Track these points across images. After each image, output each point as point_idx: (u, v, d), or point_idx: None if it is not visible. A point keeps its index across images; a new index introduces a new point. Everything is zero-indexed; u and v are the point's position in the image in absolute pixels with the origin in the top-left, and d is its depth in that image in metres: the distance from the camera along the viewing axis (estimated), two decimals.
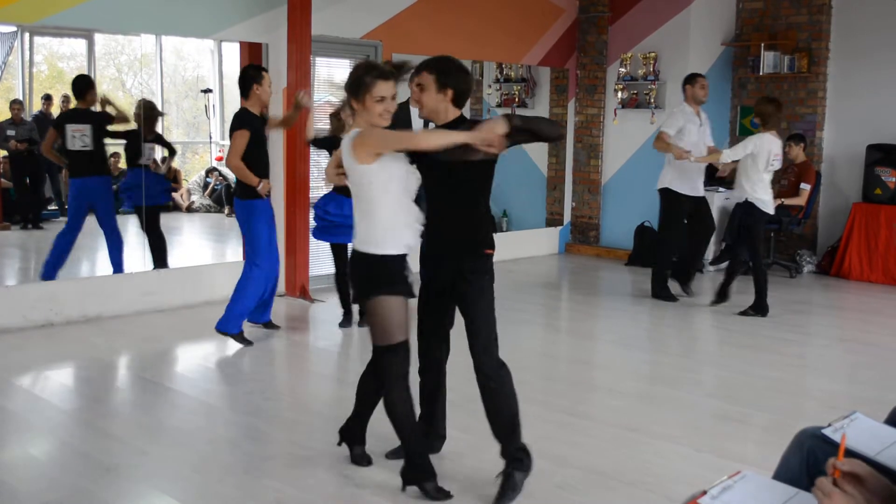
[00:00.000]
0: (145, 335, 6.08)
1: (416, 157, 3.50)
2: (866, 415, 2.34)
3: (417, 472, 3.45)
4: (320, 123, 7.74)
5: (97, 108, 7.09)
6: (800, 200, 8.33)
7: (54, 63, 8.00)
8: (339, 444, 3.80)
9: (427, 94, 3.44)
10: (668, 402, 4.88)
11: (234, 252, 7.65)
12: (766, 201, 6.76)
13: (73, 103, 6.94)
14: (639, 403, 4.87)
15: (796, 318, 7.02)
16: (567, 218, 10.21)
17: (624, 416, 4.53)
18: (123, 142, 7.40)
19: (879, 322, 7.03)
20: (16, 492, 3.48)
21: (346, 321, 6.36)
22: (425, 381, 3.78)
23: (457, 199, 3.48)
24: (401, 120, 6.56)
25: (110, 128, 7.00)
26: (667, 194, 7.38)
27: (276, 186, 7.31)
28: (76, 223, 6.76)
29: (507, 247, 8.85)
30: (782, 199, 7.91)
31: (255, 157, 5.58)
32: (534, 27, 9.46)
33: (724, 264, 8.92)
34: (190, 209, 9.31)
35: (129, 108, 7.47)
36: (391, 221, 3.38)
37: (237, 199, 5.76)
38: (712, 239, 8.85)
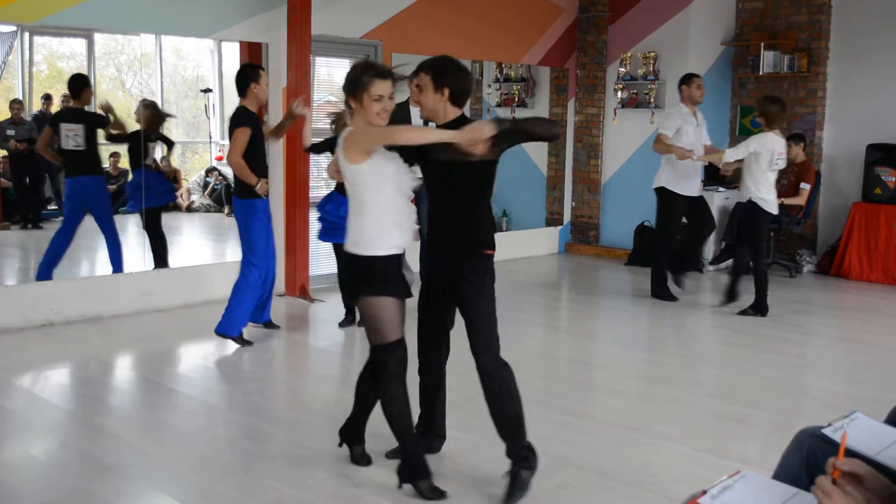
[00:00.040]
0: (145, 335, 6.08)
1: (419, 157, 3.51)
2: (866, 414, 2.34)
3: (413, 471, 3.46)
4: (320, 123, 7.74)
5: (99, 111, 7.09)
6: (800, 200, 8.33)
7: (54, 63, 8.00)
8: (340, 445, 3.81)
9: (425, 94, 3.46)
10: (668, 401, 4.88)
11: (234, 252, 7.63)
12: (770, 201, 6.76)
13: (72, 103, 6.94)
14: (639, 403, 4.87)
15: (796, 317, 7.02)
16: (567, 218, 10.21)
17: (624, 416, 4.53)
18: (126, 143, 7.40)
19: (879, 322, 7.03)
20: (16, 491, 3.48)
21: (346, 321, 6.36)
22: (425, 380, 3.79)
23: (457, 198, 3.48)
24: (401, 120, 6.61)
25: (103, 131, 6.98)
26: (662, 194, 7.38)
27: (276, 186, 7.32)
28: (71, 222, 6.75)
29: (507, 246, 8.86)
30: (782, 199, 7.90)
31: (254, 156, 5.58)
32: (534, 27, 9.46)
33: (724, 264, 8.96)
34: (190, 209, 9.30)
35: (130, 119, 7.46)
36: (382, 222, 3.39)
37: (236, 198, 5.75)
38: (712, 238, 8.88)
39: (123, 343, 5.92)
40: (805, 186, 8.31)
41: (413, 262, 7.60)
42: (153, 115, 7.28)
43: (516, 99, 10.35)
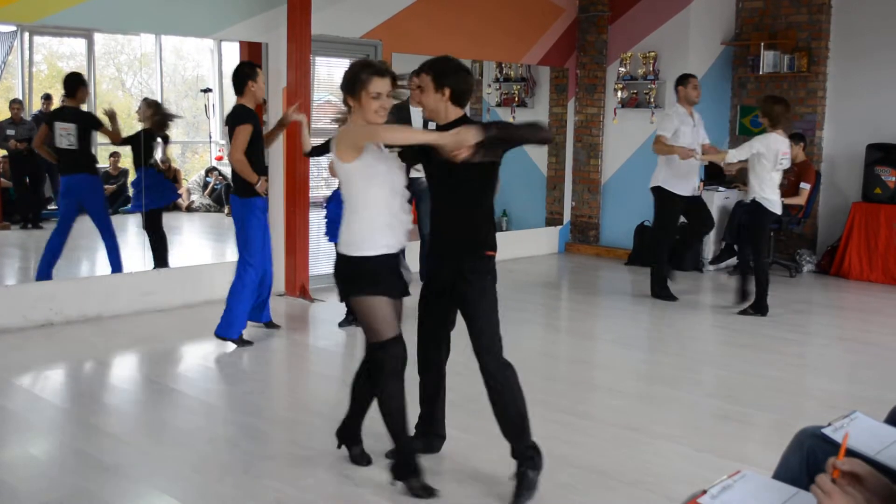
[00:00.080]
0: (145, 335, 6.08)
1: (423, 157, 3.52)
2: (866, 414, 2.34)
3: (405, 469, 3.47)
4: (320, 123, 7.74)
5: (102, 115, 7.09)
6: (799, 200, 8.33)
7: (54, 63, 8.00)
8: (339, 447, 3.81)
9: (426, 94, 3.46)
10: (669, 401, 4.88)
11: (234, 252, 7.63)
12: (774, 201, 6.75)
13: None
14: (639, 403, 4.87)
15: (796, 317, 7.02)
16: (567, 217, 10.21)
17: (624, 416, 4.53)
18: (128, 144, 7.40)
19: (879, 322, 7.03)
20: (16, 491, 3.48)
21: (346, 320, 6.35)
22: (425, 380, 3.79)
23: (457, 198, 3.48)
24: (400, 120, 6.60)
25: (97, 132, 6.96)
26: (659, 193, 7.39)
27: (276, 186, 7.32)
28: (66, 221, 6.73)
29: (507, 246, 8.85)
30: (782, 199, 7.91)
31: (254, 154, 5.56)
32: (533, 27, 9.46)
33: (724, 264, 8.97)
34: (190, 209, 9.31)
35: (130, 120, 7.46)
36: (373, 222, 3.41)
37: (235, 197, 5.72)
38: (712, 238, 8.88)
39: (123, 343, 5.92)
40: (805, 186, 8.31)
41: (413, 262, 7.62)
42: (156, 114, 7.27)
43: (516, 99, 10.35)
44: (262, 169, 5.68)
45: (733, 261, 8.95)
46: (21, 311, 6.03)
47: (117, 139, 7.30)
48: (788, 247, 9.23)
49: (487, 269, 3.48)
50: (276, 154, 7.26)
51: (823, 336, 6.66)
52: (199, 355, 5.72)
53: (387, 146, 3.62)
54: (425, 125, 7.23)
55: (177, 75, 9.03)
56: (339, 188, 6.19)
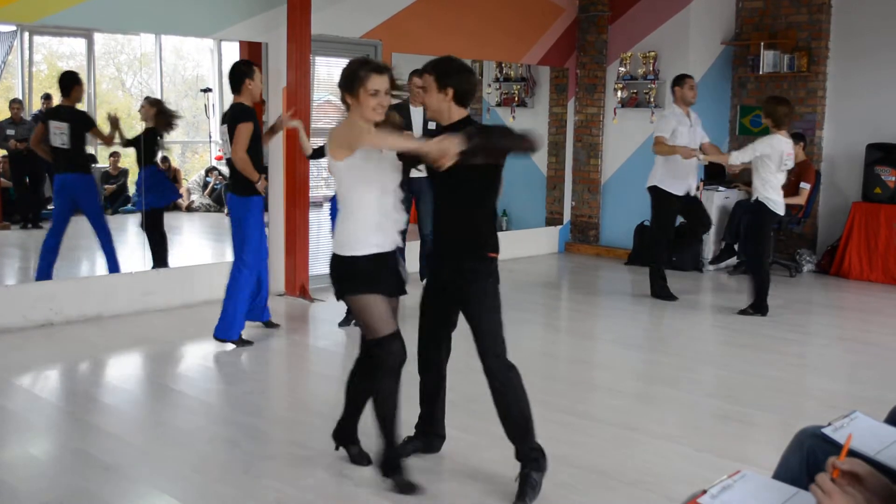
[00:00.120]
0: (145, 335, 6.08)
1: (421, 158, 3.52)
2: (866, 414, 2.34)
3: (394, 466, 3.51)
4: (320, 123, 7.74)
5: (106, 121, 7.10)
6: (799, 200, 8.33)
7: (54, 62, 8.00)
8: (337, 448, 3.81)
9: (429, 94, 3.45)
10: (668, 401, 4.88)
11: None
12: (777, 201, 6.74)
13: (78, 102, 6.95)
14: (639, 403, 4.87)
15: (796, 317, 7.02)
16: (567, 217, 10.21)
17: (624, 416, 4.53)
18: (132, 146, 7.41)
19: (879, 322, 7.03)
20: (16, 491, 3.48)
21: (346, 320, 6.35)
22: (425, 380, 3.79)
23: (458, 199, 3.48)
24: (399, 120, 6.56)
25: (90, 134, 6.93)
26: (655, 193, 7.39)
27: (276, 186, 7.32)
28: (59, 220, 6.72)
29: (507, 246, 8.78)
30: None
31: (253, 152, 5.53)
32: (533, 26, 9.46)
33: (724, 264, 8.97)
34: (190, 209, 9.31)
35: (130, 120, 7.46)
36: (364, 222, 3.43)
37: (233, 195, 5.67)
38: (712, 238, 8.88)
39: (123, 343, 5.92)
40: (805, 186, 8.31)
41: (413, 262, 7.62)
42: (159, 113, 7.27)
43: (516, 99, 10.35)
44: (260, 168, 5.67)
45: (733, 261, 8.98)
46: (21, 311, 6.03)
47: (109, 142, 7.31)
48: (788, 247, 9.23)
49: (489, 271, 3.48)
50: (275, 154, 7.27)
51: (823, 336, 6.66)
52: (199, 355, 5.72)
53: None
54: (425, 125, 7.25)
55: (177, 75, 9.03)
56: None
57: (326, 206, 7.05)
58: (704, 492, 1.85)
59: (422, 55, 8.12)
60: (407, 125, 6.76)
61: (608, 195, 9.97)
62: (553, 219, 10.21)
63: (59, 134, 6.62)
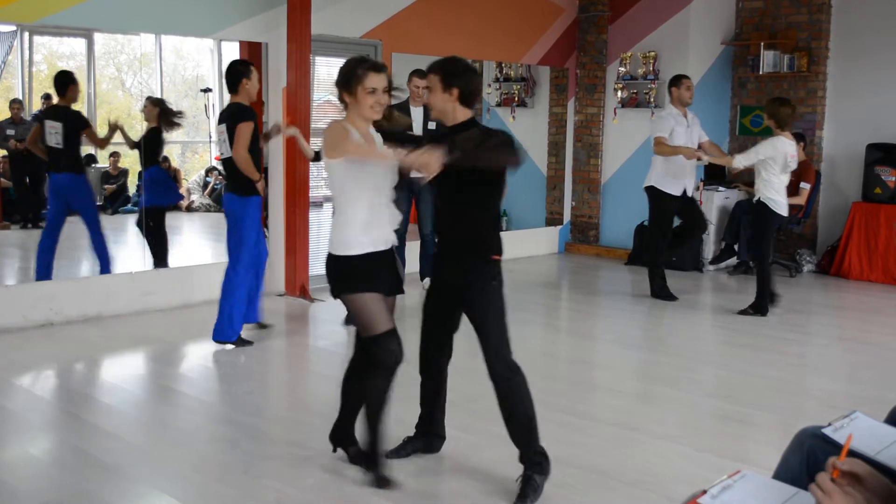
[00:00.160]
0: (145, 335, 6.08)
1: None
2: (866, 414, 2.34)
3: (370, 459, 3.56)
4: (320, 123, 7.74)
5: (107, 127, 7.10)
6: (799, 200, 8.33)
7: (54, 62, 8.00)
8: (335, 450, 3.80)
9: (434, 94, 3.44)
10: (668, 401, 4.88)
11: None
12: (779, 202, 6.72)
13: (78, 104, 6.94)
14: (639, 403, 4.87)
15: (796, 317, 7.01)
16: (567, 217, 10.21)
17: (624, 416, 4.53)
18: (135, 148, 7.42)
19: (879, 322, 7.03)
20: (16, 491, 3.48)
21: (349, 318, 6.35)
22: (426, 381, 3.79)
23: (460, 201, 3.47)
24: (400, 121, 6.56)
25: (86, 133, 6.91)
26: (652, 193, 7.40)
27: (277, 186, 7.32)
28: (53, 219, 6.70)
29: (507, 246, 8.74)
30: None
31: (253, 152, 5.52)
32: (533, 26, 9.46)
33: (724, 264, 8.97)
34: (190, 209, 9.31)
35: (129, 120, 7.46)
36: (357, 222, 3.45)
37: (232, 195, 5.60)
38: (712, 238, 8.88)
39: (123, 343, 5.92)
40: (805, 186, 8.31)
41: (413, 262, 7.62)
42: (162, 112, 7.27)
43: (516, 99, 10.35)
44: (259, 167, 5.65)
45: (733, 261, 8.98)
46: (21, 311, 6.03)
47: (103, 145, 7.31)
48: (788, 247, 9.23)
49: (493, 274, 3.47)
50: (275, 154, 7.27)
51: (823, 336, 6.66)
52: (199, 355, 5.72)
53: (386, 144, 3.65)
54: (425, 125, 7.26)
55: (177, 75, 9.03)
56: None
57: (328, 206, 7.04)
58: (704, 492, 1.85)
59: (422, 55, 8.17)
60: (408, 125, 6.77)
61: (608, 195, 9.97)
62: (553, 219, 10.21)
63: (53, 134, 6.61)
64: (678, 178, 7.31)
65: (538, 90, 10.28)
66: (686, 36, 9.17)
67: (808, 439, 2.30)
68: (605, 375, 5.45)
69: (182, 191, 9.07)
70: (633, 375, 5.48)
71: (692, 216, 7.50)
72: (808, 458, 2.26)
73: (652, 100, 9.40)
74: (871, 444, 2.15)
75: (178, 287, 6.84)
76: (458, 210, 3.49)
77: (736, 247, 8.84)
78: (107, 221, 8.50)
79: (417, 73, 7.31)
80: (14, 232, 7.68)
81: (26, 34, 7.46)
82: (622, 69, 9.63)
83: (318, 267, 7.61)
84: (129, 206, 8.50)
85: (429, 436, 3.86)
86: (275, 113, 7.26)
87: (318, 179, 8.03)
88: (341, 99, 3.52)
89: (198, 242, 9.27)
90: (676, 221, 7.62)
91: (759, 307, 6.89)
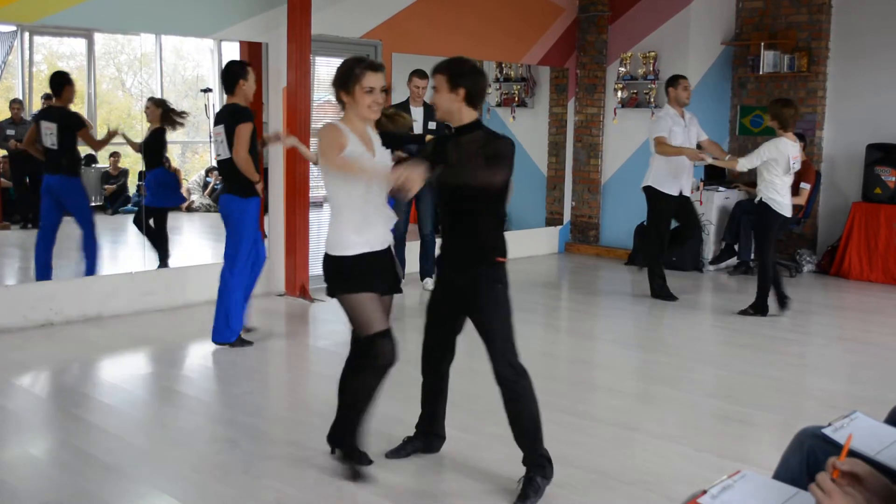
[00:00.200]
0: (145, 335, 6.08)
1: (430, 162, 3.55)
2: (866, 414, 2.34)
3: (348, 452, 3.62)
4: (320, 123, 7.74)
5: (107, 133, 7.10)
6: (800, 200, 8.32)
7: (54, 62, 8.01)
8: (333, 452, 3.80)
9: (440, 94, 3.43)
10: (668, 401, 4.88)
11: None
12: (782, 202, 6.69)
13: (76, 105, 6.93)
14: (639, 403, 4.87)
15: (796, 317, 7.00)
16: (567, 217, 10.21)
17: (624, 416, 4.53)
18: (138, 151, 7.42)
19: (879, 322, 7.03)
20: (16, 491, 3.48)
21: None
22: (427, 382, 3.79)
23: (464, 205, 3.46)
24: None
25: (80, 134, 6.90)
26: (650, 193, 7.40)
27: (277, 186, 7.32)
28: (46, 221, 6.68)
29: (507, 246, 8.84)
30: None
31: (252, 153, 5.50)
32: (533, 26, 9.46)
33: (724, 264, 8.97)
34: (190, 209, 9.31)
35: (129, 120, 7.45)
36: (351, 223, 3.48)
37: (232, 196, 5.55)
38: (712, 238, 8.88)
39: (123, 343, 5.92)
40: (805, 186, 8.31)
41: (413, 262, 7.62)
42: (164, 113, 7.27)
43: (516, 99, 10.35)
44: (258, 169, 5.64)
45: (733, 261, 8.98)
46: (21, 311, 6.03)
47: (98, 148, 7.30)
48: (788, 247, 9.23)
49: (498, 277, 3.47)
50: (276, 154, 7.27)
51: (823, 336, 6.66)
52: (199, 355, 5.72)
53: (384, 145, 3.66)
54: (425, 125, 7.26)
55: (177, 75, 9.04)
56: None
57: (328, 207, 7.03)
58: (704, 492, 1.85)
59: (422, 55, 8.18)
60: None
61: (608, 195, 9.97)
62: (553, 219, 10.21)
63: (49, 134, 6.59)
64: (676, 179, 7.31)
65: (538, 90, 10.28)
66: (686, 36, 9.17)
67: (808, 439, 2.30)
68: (605, 375, 5.45)
69: (182, 191, 9.07)
70: (633, 375, 5.48)
71: (688, 219, 7.50)
72: (808, 458, 2.26)
73: (652, 100, 9.40)
74: (871, 444, 2.15)
75: (178, 287, 6.84)
76: (460, 212, 3.49)
77: (736, 247, 8.84)
78: (107, 221, 8.52)
79: (417, 73, 7.31)
80: (14, 232, 7.68)
81: (26, 34, 7.46)
82: (622, 69, 9.63)
83: (318, 267, 7.60)
84: (130, 206, 8.51)
85: (429, 436, 3.86)
86: (275, 113, 7.27)
87: (318, 179, 8.02)
88: (339, 99, 3.53)
89: (198, 242, 9.26)
90: (675, 223, 7.62)
91: (760, 307, 6.89)
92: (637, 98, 9.57)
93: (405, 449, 3.83)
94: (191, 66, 9.15)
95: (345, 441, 3.64)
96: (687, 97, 7.34)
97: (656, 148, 7.21)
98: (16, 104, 7.55)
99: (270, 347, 5.86)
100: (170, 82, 8.64)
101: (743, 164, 6.80)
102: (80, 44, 7.91)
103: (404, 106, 7.21)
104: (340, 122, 3.53)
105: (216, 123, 5.55)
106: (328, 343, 6.14)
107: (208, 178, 9.40)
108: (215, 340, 5.66)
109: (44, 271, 6.54)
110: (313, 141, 6.68)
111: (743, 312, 6.94)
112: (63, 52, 8.15)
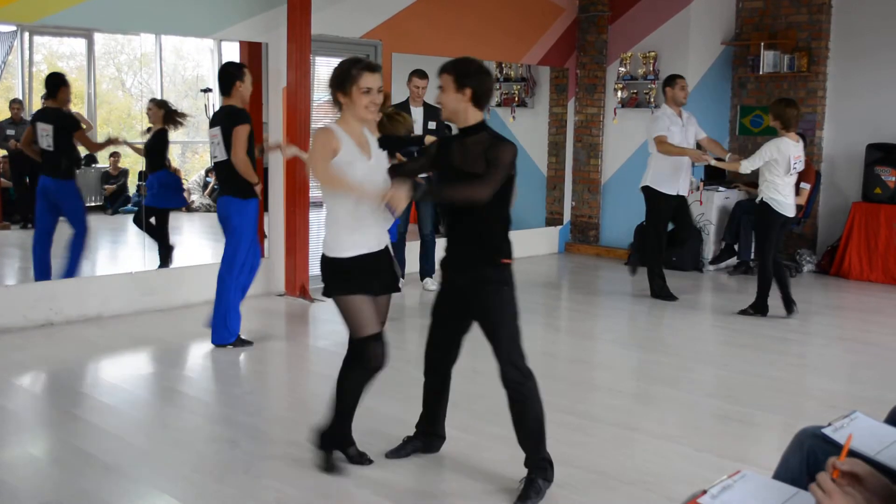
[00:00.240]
0: (145, 335, 6.08)
1: (436, 165, 3.56)
2: (866, 414, 2.34)
3: (327, 441, 3.68)
4: (320, 123, 7.74)
5: (106, 139, 7.09)
6: (800, 200, 8.29)
7: (54, 62, 8.01)
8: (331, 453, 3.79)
9: (446, 94, 3.42)
10: (668, 401, 4.88)
11: None
12: (782, 202, 6.66)
13: (76, 105, 6.93)
14: (639, 403, 4.87)
15: (796, 317, 7.00)
16: (567, 217, 10.21)
17: (624, 416, 4.53)
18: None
19: (879, 322, 7.03)
20: (16, 491, 3.48)
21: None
22: (430, 382, 3.79)
23: (468, 208, 3.45)
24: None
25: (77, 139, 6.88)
26: (648, 193, 7.40)
27: (277, 186, 7.32)
28: (41, 222, 6.66)
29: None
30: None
31: (248, 155, 5.49)
32: (533, 26, 9.46)
33: (724, 264, 8.97)
34: (190, 209, 9.31)
35: (128, 120, 7.45)
36: (347, 225, 3.49)
37: (231, 198, 5.51)
38: (711, 238, 8.88)
39: (123, 343, 5.92)
40: (805, 186, 8.29)
41: (413, 262, 7.62)
42: (167, 114, 7.26)
43: (516, 99, 10.35)
44: (257, 170, 5.63)
45: (733, 261, 8.98)
46: (21, 311, 6.03)
47: (94, 151, 7.28)
48: (788, 247, 9.23)
49: (503, 278, 3.46)
50: (276, 155, 7.26)
51: (823, 336, 6.65)
52: (199, 355, 5.72)
53: (382, 147, 3.66)
54: (425, 125, 7.26)
55: (177, 75, 9.04)
56: None
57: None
58: (704, 492, 1.85)
59: (422, 55, 8.18)
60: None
61: (608, 195, 9.97)
62: (553, 219, 10.21)
63: (44, 136, 6.55)
64: (674, 179, 7.31)
65: (538, 90, 10.28)
66: (686, 36, 9.17)
67: (808, 439, 2.30)
68: (605, 375, 5.45)
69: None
70: (633, 375, 5.48)
71: (682, 220, 7.50)
72: (808, 458, 2.26)
73: (652, 100, 9.40)
74: (871, 444, 2.15)
75: (178, 287, 6.84)
76: (461, 214, 3.48)
77: (736, 247, 8.84)
78: (107, 221, 8.53)
79: (417, 73, 7.31)
80: (14, 232, 7.67)
81: (26, 34, 7.46)
82: (622, 69, 9.63)
83: (317, 267, 7.60)
84: (130, 206, 8.51)
85: (429, 436, 3.86)
86: (275, 113, 7.27)
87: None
88: (336, 100, 3.53)
89: (198, 242, 9.26)
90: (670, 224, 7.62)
91: (760, 307, 6.89)
92: (637, 98, 9.57)
93: (405, 449, 3.83)
94: (191, 66, 9.16)
95: (325, 433, 3.68)
96: (684, 97, 7.35)
97: (659, 147, 7.20)
98: (16, 104, 7.55)
99: (270, 347, 5.86)
100: (170, 82, 8.64)
101: (746, 166, 6.79)
102: (80, 44, 7.91)
103: (404, 106, 7.20)
104: (336, 123, 3.54)
105: (212, 125, 5.52)
106: (328, 343, 6.14)
107: (208, 179, 9.40)
108: (215, 343, 5.65)
109: (43, 271, 6.53)
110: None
111: (743, 312, 6.94)
112: (63, 52, 8.15)
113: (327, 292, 3.61)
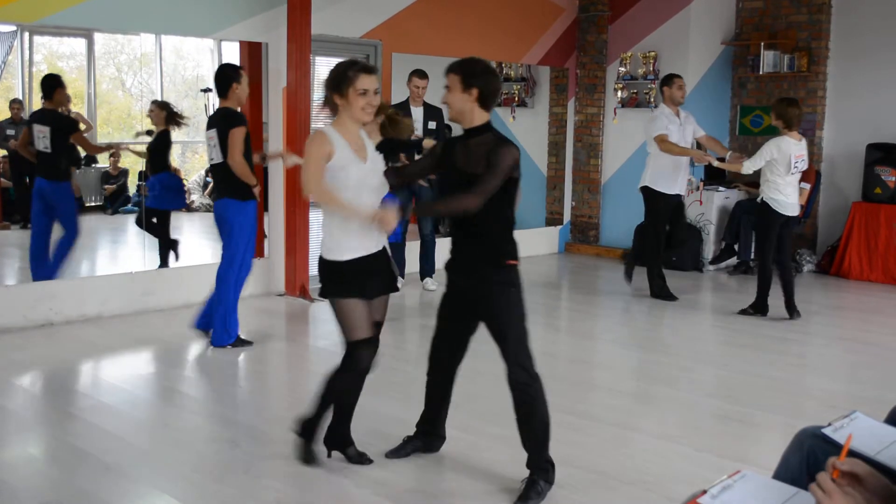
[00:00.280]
0: (145, 335, 6.08)
1: (433, 170, 3.56)
2: (866, 414, 2.34)
3: (308, 432, 3.73)
4: (319, 123, 7.74)
5: (108, 146, 7.08)
6: (800, 200, 8.31)
7: (54, 62, 8.01)
8: (329, 455, 3.79)
9: (452, 94, 3.41)
10: (668, 401, 4.88)
11: None
12: (783, 202, 6.65)
13: (76, 105, 6.92)
14: (639, 403, 4.87)
15: (796, 317, 7.00)
16: (567, 217, 10.21)
17: (624, 416, 4.53)
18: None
19: (879, 322, 7.03)
20: (16, 491, 3.48)
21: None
22: (433, 382, 3.78)
23: (476, 210, 3.45)
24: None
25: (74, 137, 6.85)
26: (647, 193, 7.41)
27: (276, 186, 7.32)
28: (37, 224, 6.65)
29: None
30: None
31: (245, 157, 5.49)
32: (533, 26, 9.46)
33: (724, 264, 8.97)
34: (190, 209, 9.31)
35: (129, 120, 7.45)
36: (344, 227, 3.50)
37: (230, 200, 5.49)
38: (711, 238, 8.88)
39: (123, 343, 5.92)
40: (805, 186, 8.28)
41: (413, 262, 7.62)
42: (169, 115, 7.26)
43: (516, 99, 10.35)
44: (252, 171, 5.61)
45: (733, 261, 8.98)
46: (21, 311, 6.03)
47: (92, 152, 7.28)
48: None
49: (510, 280, 3.46)
50: (276, 159, 7.26)
51: (823, 336, 6.65)
52: (199, 355, 5.72)
53: (378, 150, 3.66)
54: (425, 125, 7.26)
55: (177, 75, 9.04)
56: None
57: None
58: (704, 492, 1.85)
59: (422, 55, 8.18)
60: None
61: (608, 195, 9.97)
62: (553, 219, 10.21)
63: (41, 138, 6.54)
64: (671, 178, 7.32)
65: (538, 90, 10.28)
66: (686, 36, 9.17)
67: (808, 439, 2.30)
68: (604, 375, 5.45)
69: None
70: (633, 375, 5.48)
71: (677, 223, 7.50)
72: (808, 458, 2.26)
73: (652, 100, 9.39)
74: (871, 444, 2.15)
75: (178, 287, 6.83)
76: (469, 219, 3.44)
77: (736, 247, 8.84)
78: (107, 221, 8.53)
79: (417, 73, 7.31)
80: (14, 232, 7.67)
81: (26, 34, 7.46)
82: (622, 69, 9.63)
83: (317, 267, 7.62)
84: (130, 206, 8.51)
85: (429, 435, 3.86)
86: (275, 113, 7.27)
87: None
88: (332, 102, 3.53)
89: (198, 242, 9.26)
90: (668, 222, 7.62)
91: (760, 307, 6.89)
92: (637, 98, 9.57)
93: (405, 449, 3.83)
94: (191, 66, 9.16)
95: (306, 422, 3.71)
96: (682, 96, 7.35)
97: (661, 146, 7.19)
98: (16, 104, 7.55)
99: (270, 347, 5.86)
100: (170, 82, 8.64)
101: (748, 167, 6.79)
102: (80, 44, 7.91)
103: (404, 106, 7.20)
104: (331, 126, 3.53)
105: (209, 127, 5.50)
106: (328, 343, 6.14)
107: (208, 179, 9.40)
108: (214, 344, 5.65)
109: (41, 272, 6.52)
110: None
111: (743, 312, 6.94)
112: (63, 52, 8.15)
113: (324, 293, 3.64)
